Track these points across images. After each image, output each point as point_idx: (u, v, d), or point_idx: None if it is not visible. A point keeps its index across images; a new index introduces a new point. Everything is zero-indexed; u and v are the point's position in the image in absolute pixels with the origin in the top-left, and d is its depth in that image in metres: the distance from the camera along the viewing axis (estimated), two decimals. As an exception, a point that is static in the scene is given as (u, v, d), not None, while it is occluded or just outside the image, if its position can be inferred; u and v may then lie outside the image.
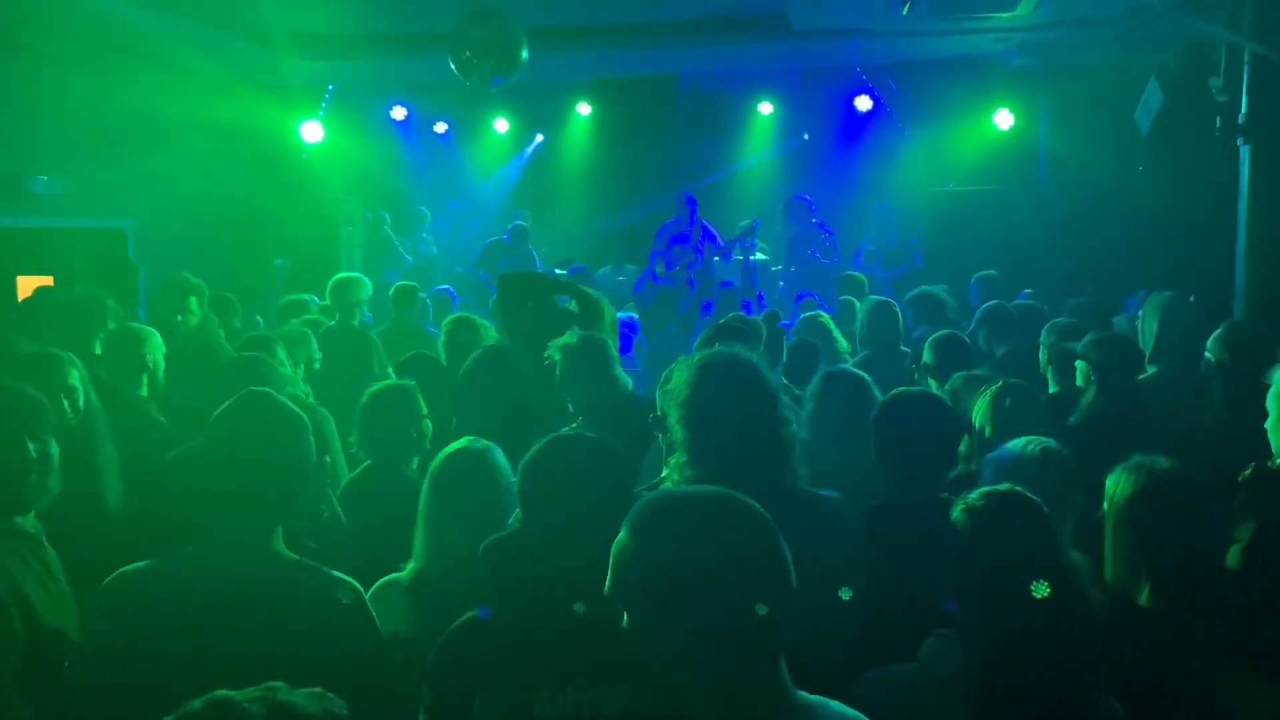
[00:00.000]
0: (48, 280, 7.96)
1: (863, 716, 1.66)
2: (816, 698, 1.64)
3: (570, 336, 4.06)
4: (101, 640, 2.33)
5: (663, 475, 2.98)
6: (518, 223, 12.08)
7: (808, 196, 11.56)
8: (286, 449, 2.40)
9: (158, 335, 4.45)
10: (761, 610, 1.52)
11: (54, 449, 2.70)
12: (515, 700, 2.07)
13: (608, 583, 1.62)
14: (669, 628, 1.53)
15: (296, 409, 2.50)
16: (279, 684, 1.43)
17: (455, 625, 2.22)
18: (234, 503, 2.34)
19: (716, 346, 2.80)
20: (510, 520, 2.30)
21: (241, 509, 2.34)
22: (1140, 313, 5.09)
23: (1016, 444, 2.85)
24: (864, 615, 2.44)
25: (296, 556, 2.41)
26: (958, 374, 4.10)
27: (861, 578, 2.51)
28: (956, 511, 2.23)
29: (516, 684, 2.08)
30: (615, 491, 2.20)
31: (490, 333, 5.35)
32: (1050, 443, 2.82)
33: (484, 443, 3.03)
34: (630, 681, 2.02)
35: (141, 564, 2.35)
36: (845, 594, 2.23)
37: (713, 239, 10.51)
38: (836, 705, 1.66)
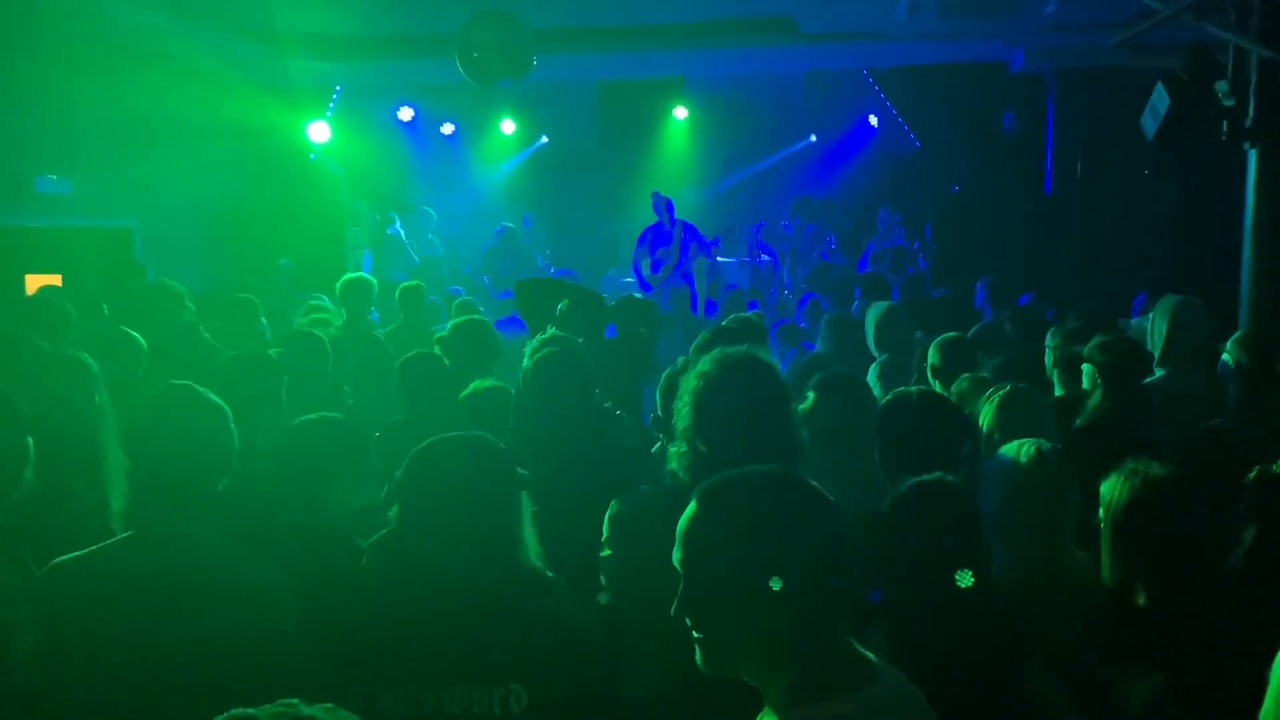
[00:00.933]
0: (56, 279, 7.99)
1: (903, 677, 1.73)
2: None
3: (539, 340, 3.91)
4: (39, 624, 2.39)
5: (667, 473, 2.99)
6: (506, 226, 12.14)
7: (815, 197, 11.58)
8: (206, 438, 2.52)
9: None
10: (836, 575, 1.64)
11: (29, 441, 2.72)
12: (365, 695, 2.11)
13: (676, 556, 1.69)
14: (752, 593, 1.61)
15: (216, 400, 2.60)
16: (295, 700, 1.45)
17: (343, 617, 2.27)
18: (160, 492, 2.44)
19: (717, 349, 2.79)
20: (390, 515, 2.32)
21: (167, 498, 2.43)
22: (1150, 316, 5.08)
23: (1011, 447, 2.86)
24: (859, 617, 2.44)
25: (240, 549, 2.47)
26: (964, 376, 4.09)
27: (857, 580, 2.52)
28: (885, 503, 2.25)
29: (364, 679, 2.12)
30: (494, 491, 2.24)
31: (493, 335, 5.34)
32: (1044, 444, 2.83)
33: (474, 433, 3.02)
34: (470, 681, 2.09)
35: (78, 553, 2.43)
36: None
37: (696, 236, 10.57)
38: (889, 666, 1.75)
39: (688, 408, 2.54)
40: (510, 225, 12.21)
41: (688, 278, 10.21)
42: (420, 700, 2.09)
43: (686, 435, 2.54)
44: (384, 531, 2.30)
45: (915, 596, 2.20)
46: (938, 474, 2.38)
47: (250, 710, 1.40)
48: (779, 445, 2.51)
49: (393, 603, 2.19)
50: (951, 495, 2.28)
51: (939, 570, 2.18)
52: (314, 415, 3.01)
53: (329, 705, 1.46)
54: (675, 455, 2.56)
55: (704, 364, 2.58)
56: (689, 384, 2.56)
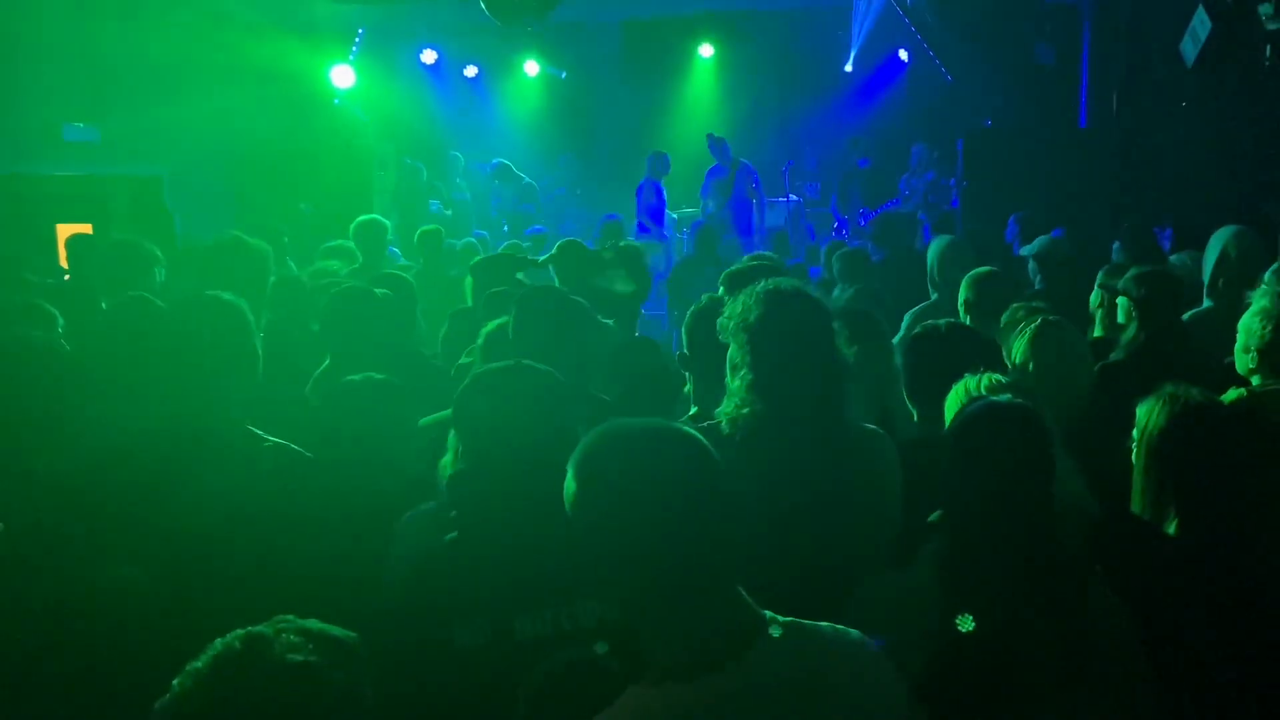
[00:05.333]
0: (86, 228, 8.03)
1: (854, 632, 1.66)
2: (790, 620, 1.63)
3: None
4: None
5: (693, 410, 2.98)
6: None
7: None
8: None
9: None
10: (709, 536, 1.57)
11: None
12: (495, 624, 2.10)
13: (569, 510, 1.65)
14: (621, 557, 1.58)
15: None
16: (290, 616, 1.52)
17: (425, 557, 2.26)
18: None
19: (765, 281, 2.73)
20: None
21: None
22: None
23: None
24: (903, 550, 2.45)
25: None
26: (1017, 305, 3.98)
27: (899, 510, 2.58)
28: (954, 422, 2.34)
29: (493, 609, 2.11)
30: (548, 418, 2.23)
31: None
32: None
33: (520, 361, 2.98)
34: (599, 595, 2.08)
35: None
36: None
37: (752, 175, 10.56)
38: (824, 625, 1.66)
39: (743, 347, 2.53)
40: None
41: (744, 217, 10.18)
42: (556, 621, 2.10)
43: (745, 370, 2.52)
44: (462, 467, 2.29)
45: (980, 515, 2.20)
46: (1007, 396, 2.38)
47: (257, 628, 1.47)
48: (832, 373, 2.53)
49: (487, 534, 2.19)
50: (1025, 415, 2.26)
51: (1008, 488, 2.17)
52: (359, 376, 3.02)
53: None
54: (736, 391, 2.54)
55: (752, 296, 2.55)
56: (742, 319, 2.54)
